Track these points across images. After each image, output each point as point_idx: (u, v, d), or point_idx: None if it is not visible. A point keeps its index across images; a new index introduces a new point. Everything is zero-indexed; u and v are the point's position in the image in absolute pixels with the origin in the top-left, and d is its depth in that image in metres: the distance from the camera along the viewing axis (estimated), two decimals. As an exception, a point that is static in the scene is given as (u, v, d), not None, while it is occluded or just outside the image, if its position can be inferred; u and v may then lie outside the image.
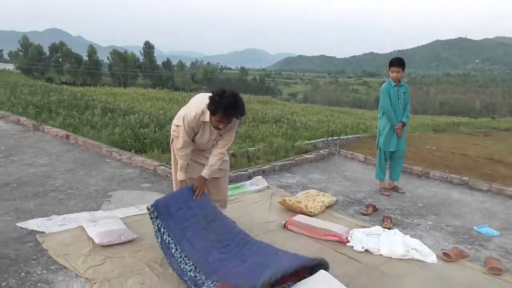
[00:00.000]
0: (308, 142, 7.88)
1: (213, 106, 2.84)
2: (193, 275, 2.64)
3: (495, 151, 8.50)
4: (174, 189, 3.43)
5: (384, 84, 4.97)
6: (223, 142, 3.18)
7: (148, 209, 2.94)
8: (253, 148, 6.71)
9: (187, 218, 2.98)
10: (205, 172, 3.16)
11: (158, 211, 2.91)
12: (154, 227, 2.91)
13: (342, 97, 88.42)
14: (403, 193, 5.03)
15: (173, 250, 2.79)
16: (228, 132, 3.17)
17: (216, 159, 3.16)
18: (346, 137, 8.82)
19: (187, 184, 3.23)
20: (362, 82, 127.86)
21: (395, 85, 4.85)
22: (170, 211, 2.94)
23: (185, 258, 2.75)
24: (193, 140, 3.16)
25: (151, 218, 2.93)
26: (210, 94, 2.91)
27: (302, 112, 21.18)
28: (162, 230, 2.87)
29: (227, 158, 3.46)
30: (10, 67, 52.30)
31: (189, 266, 2.70)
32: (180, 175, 3.22)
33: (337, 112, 25.86)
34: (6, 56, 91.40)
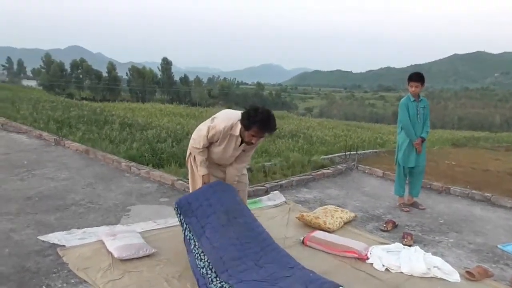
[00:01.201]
0: (324, 157, 7.83)
1: (248, 120, 2.92)
2: (205, 271, 2.73)
3: (517, 167, 8.29)
4: None
5: (403, 98, 4.94)
6: (243, 158, 3.28)
7: (174, 207, 3.10)
8: (270, 163, 6.70)
9: (207, 215, 3.02)
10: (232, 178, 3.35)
11: (180, 208, 3.04)
12: (179, 222, 3.09)
13: (358, 111, 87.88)
14: (423, 209, 4.94)
15: (192, 246, 2.90)
16: (251, 150, 3.23)
17: (235, 172, 3.29)
18: (363, 151, 8.74)
19: (209, 180, 3.27)
20: (379, 96, 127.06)
21: (414, 100, 4.81)
22: (192, 207, 3.04)
23: (201, 254, 2.83)
24: (212, 153, 3.21)
25: (176, 214, 3.08)
26: (243, 110, 3.01)
27: (318, 127, 21.12)
28: (185, 226, 3.01)
29: (245, 171, 3.49)
30: (33, 83, 53.85)
31: (203, 262, 2.78)
32: (201, 170, 3.25)
33: (353, 127, 25.70)
34: (29, 73, 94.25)
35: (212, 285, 2.63)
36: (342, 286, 2.72)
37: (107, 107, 19.58)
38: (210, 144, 3.18)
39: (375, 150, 9.75)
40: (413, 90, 4.78)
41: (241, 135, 3.06)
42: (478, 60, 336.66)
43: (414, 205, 5.01)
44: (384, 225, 4.21)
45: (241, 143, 3.11)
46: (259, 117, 2.89)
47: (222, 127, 3.05)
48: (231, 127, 3.06)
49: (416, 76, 4.78)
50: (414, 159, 4.87)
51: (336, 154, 8.20)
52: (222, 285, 2.60)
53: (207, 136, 3.09)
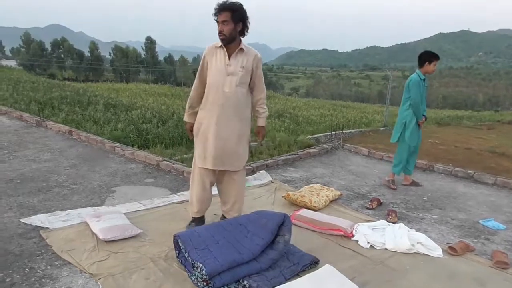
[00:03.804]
0: (311, 136, 7.85)
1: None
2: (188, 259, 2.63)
3: (498, 144, 8.46)
4: (191, 206, 3.33)
5: (413, 75, 4.78)
6: (257, 88, 3.19)
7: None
8: (256, 143, 6.69)
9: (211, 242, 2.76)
10: (261, 121, 3.26)
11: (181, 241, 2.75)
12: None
13: (344, 91, 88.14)
14: (421, 185, 5.02)
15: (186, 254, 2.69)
16: (256, 77, 3.14)
17: (263, 105, 3.23)
18: (349, 131, 8.79)
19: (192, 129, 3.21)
20: (365, 76, 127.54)
21: (424, 79, 4.76)
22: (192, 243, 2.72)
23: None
24: (212, 83, 3.07)
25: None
26: None
27: (304, 107, 21.15)
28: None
29: (245, 155, 3.27)
30: (12, 63, 52.33)
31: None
32: (187, 117, 3.27)
33: (339, 106, 25.81)
34: (8, 53, 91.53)
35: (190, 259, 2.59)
36: (319, 260, 2.86)
37: (90, 88, 19.24)
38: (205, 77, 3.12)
39: (360, 130, 9.82)
40: (434, 68, 4.73)
41: (224, 45, 3.02)
42: (463, 39, 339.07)
43: (413, 183, 5.03)
44: (369, 203, 4.25)
45: (229, 56, 3.03)
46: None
47: (207, 47, 3.13)
48: (214, 44, 3.09)
49: (438, 55, 4.74)
50: (418, 137, 4.90)
51: (322, 134, 8.23)
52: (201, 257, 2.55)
53: (200, 65, 3.14)
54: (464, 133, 10.32)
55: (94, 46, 70.47)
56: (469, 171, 5.52)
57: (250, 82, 3.13)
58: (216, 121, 3.05)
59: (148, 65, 73.48)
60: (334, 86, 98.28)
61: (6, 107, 8.88)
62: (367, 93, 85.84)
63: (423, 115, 4.84)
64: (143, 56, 76.20)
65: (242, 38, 3.08)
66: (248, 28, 3.05)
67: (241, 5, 2.97)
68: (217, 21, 2.95)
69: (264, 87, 3.23)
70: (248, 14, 3.01)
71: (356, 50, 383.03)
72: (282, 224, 2.85)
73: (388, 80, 15.17)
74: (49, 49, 69.42)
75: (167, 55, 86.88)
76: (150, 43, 77.52)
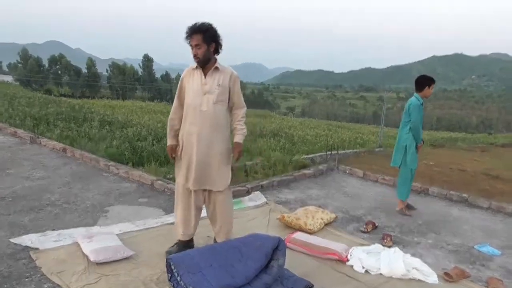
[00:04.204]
0: (306, 156, 7.86)
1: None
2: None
3: (492, 167, 8.50)
4: (176, 227, 3.29)
5: (412, 99, 4.78)
6: (236, 106, 3.18)
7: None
8: (251, 162, 6.67)
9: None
10: (239, 138, 3.17)
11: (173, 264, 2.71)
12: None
13: (339, 111, 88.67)
14: (416, 209, 5.00)
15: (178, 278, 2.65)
16: (234, 95, 3.13)
17: (241, 123, 3.18)
18: (344, 151, 8.81)
19: (177, 149, 3.18)
20: (360, 96, 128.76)
21: (422, 103, 4.78)
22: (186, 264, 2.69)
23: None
24: (190, 105, 3.09)
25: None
26: None
27: (300, 126, 21.21)
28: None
29: (227, 174, 3.19)
30: (9, 78, 52.38)
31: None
32: (168, 140, 3.25)
33: (334, 127, 25.91)
34: (5, 68, 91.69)
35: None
36: (313, 285, 2.83)
37: (86, 104, 19.24)
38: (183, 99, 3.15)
39: (355, 150, 9.84)
40: (431, 92, 4.79)
41: (200, 66, 3.06)
42: (456, 62, 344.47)
43: (409, 206, 5.01)
44: (364, 226, 4.23)
45: (204, 75, 3.06)
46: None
47: (185, 70, 3.20)
48: (191, 66, 3.14)
49: (434, 79, 4.81)
50: (417, 161, 4.90)
51: (318, 154, 8.24)
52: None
53: (178, 87, 3.17)
54: (459, 155, 10.38)
55: (91, 62, 70.74)
56: (464, 195, 5.52)
57: (229, 101, 3.14)
58: (196, 140, 3.05)
59: (145, 82, 73.74)
60: (329, 106, 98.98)
61: (1, 123, 8.84)
62: (362, 113, 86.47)
63: (422, 139, 4.86)
64: (140, 73, 76.53)
65: (217, 56, 3.13)
66: (221, 46, 3.10)
67: (210, 26, 3.00)
68: (190, 45, 3.00)
69: (243, 104, 3.23)
70: (219, 32, 3.05)
71: (352, 71, 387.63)
72: (277, 247, 2.82)
73: (383, 101, 15.31)
74: (46, 65, 69.57)
75: (164, 73, 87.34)
76: (147, 60, 77.97)
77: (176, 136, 3.22)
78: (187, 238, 3.29)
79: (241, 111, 3.20)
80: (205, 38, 2.96)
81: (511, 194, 5.97)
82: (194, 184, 3.10)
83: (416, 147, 4.81)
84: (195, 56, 3.00)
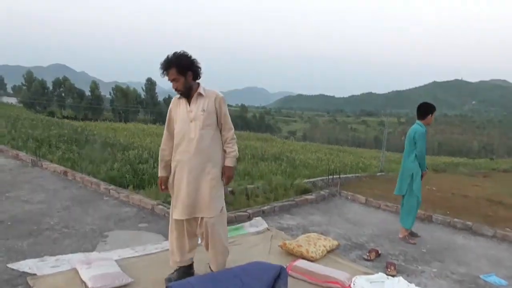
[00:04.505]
0: (307, 180, 7.82)
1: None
2: None
3: (494, 193, 8.45)
4: (172, 254, 3.22)
5: (416, 127, 4.76)
6: (224, 128, 3.13)
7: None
8: (252, 186, 6.64)
9: None
10: (228, 161, 3.10)
11: None
12: None
13: (341, 135, 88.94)
14: (419, 236, 4.92)
15: None
16: (221, 117, 3.09)
17: (230, 145, 3.12)
18: (345, 176, 8.78)
19: (168, 182, 3.15)
20: (361, 121, 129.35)
21: (426, 129, 4.78)
22: None
23: None
24: (178, 133, 3.09)
25: None
26: None
27: (301, 150, 21.24)
28: None
29: (220, 200, 3.11)
30: (13, 100, 52.90)
31: None
32: (159, 171, 3.22)
33: (336, 151, 25.95)
34: (10, 90, 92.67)
35: None
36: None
37: (88, 126, 19.38)
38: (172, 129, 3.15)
39: (357, 175, 9.81)
40: (433, 119, 4.81)
41: (184, 97, 3.06)
42: (456, 88, 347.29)
43: (413, 234, 4.93)
44: (367, 254, 4.16)
45: (189, 103, 3.05)
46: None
47: (172, 99, 3.19)
48: (177, 96, 3.14)
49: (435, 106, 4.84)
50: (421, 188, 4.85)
51: (319, 178, 8.21)
52: None
53: (166, 118, 3.18)
54: (460, 180, 10.33)
55: (95, 85, 71.56)
56: (468, 223, 5.45)
57: (218, 123, 3.11)
58: (187, 169, 3.02)
59: (147, 105, 74.35)
60: (330, 131, 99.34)
61: (3, 145, 8.86)
62: (364, 138, 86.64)
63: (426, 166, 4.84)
64: (143, 96, 77.27)
65: (199, 81, 3.09)
66: (200, 70, 3.05)
67: (182, 55, 2.97)
68: (170, 80, 2.99)
69: (231, 126, 3.16)
70: (193, 57, 3.00)
71: (353, 95, 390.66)
72: (278, 276, 2.77)
73: (384, 126, 15.35)
74: (51, 87, 70.40)
75: (167, 96, 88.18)
76: (150, 84, 78.89)
77: (166, 167, 3.19)
78: (185, 264, 3.23)
79: (229, 132, 3.14)
80: (179, 70, 2.93)
81: (515, 220, 5.92)
82: (182, 213, 3.04)
83: (421, 174, 4.79)
84: (175, 90, 3.01)
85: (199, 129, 3.00)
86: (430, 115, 4.80)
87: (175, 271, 3.24)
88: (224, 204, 3.21)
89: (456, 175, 11.80)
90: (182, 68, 2.94)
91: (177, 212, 3.08)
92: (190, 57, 3.00)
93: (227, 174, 3.11)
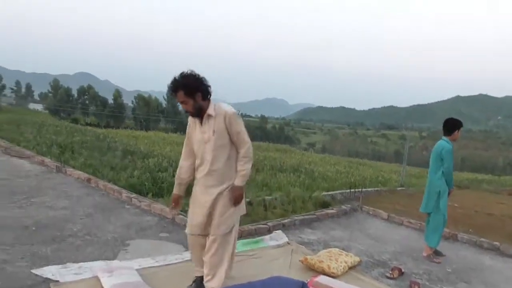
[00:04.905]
0: (326, 193, 7.74)
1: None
2: None
3: (520, 211, 8.18)
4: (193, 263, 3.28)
5: (443, 143, 4.68)
6: (237, 145, 3.02)
7: None
8: (270, 197, 6.60)
9: None
10: (238, 181, 3.01)
11: None
12: None
13: (361, 148, 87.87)
14: (445, 255, 4.79)
15: None
16: (233, 135, 2.97)
17: (241, 163, 3.01)
18: (365, 189, 8.65)
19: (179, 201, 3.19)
20: (381, 134, 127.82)
21: (452, 146, 4.68)
22: None
23: None
24: (196, 150, 3.08)
25: None
26: None
27: (320, 162, 21.02)
28: None
29: (231, 218, 3.05)
30: (39, 107, 54.40)
31: None
32: (174, 187, 3.23)
33: (355, 164, 25.57)
34: (36, 97, 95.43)
35: None
36: None
37: (110, 134, 19.66)
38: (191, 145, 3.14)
39: (377, 189, 9.66)
40: (459, 135, 4.72)
41: (195, 116, 3.01)
42: (481, 103, 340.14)
43: (437, 253, 4.81)
44: (390, 272, 4.06)
45: (201, 123, 3.01)
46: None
47: (189, 117, 3.12)
48: None
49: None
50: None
51: (338, 191, 8.11)
52: None
53: (186, 133, 3.17)
54: (484, 198, 10.03)
55: (118, 94, 72.89)
56: (495, 243, 5.27)
57: (231, 140, 3.02)
58: (203, 188, 3.04)
59: (168, 114, 75.22)
60: (350, 143, 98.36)
61: (29, 150, 9.07)
62: (384, 151, 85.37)
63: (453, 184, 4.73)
64: (164, 105, 78.26)
65: (211, 99, 2.99)
66: (209, 88, 2.97)
67: (189, 77, 2.89)
68: (177, 101, 2.98)
69: (245, 141, 3.00)
70: (200, 76, 2.92)
71: (373, 109, 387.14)
72: None
73: (405, 140, 15.11)
74: (75, 95, 72.08)
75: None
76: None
77: (181, 185, 3.21)
78: (202, 275, 3.20)
79: (243, 150, 3.01)
80: (187, 93, 2.87)
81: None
82: (195, 229, 3.08)
83: (448, 192, 4.68)
84: (186, 111, 2.98)
85: (212, 150, 2.96)
86: (457, 131, 4.69)
87: (193, 282, 3.23)
88: (238, 223, 3.18)
89: (480, 192, 11.46)
90: (190, 90, 2.87)
91: (190, 228, 3.13)
92: (198, 76, 2.92)
93: (234, 194, 3.00)
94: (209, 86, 2.97)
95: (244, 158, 3.01)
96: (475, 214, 7.39)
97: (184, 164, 3.19)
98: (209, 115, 2.96)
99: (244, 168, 3.00)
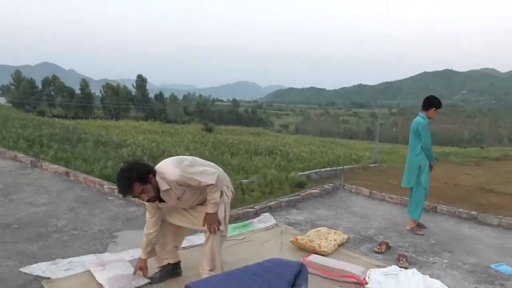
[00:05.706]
0: (302, 173, 7.86)
1: None
2: None
3: (486, 181, 8.59)
4: None
5: (419, 119, 4.80)
6: (206, 187, 2.88)
7: None
8: (247, 180, 6.63)
9: None
10: (209, 208, 2.90)
11: None
12: None
13: (333, 128, 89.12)
14: (426, 227, 4.96)
15: None
16: (194, 182, 2.82)
17: (209, 194, 2.88)
18: (339, 167, 8.84)
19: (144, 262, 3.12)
20: (352, 113, 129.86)
21: (428, 121, 4.80)
22: None
23: None
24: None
25: None
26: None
27: (294, 144, 21.22)
28: None
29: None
30: (2, 101, 52.19)
31: None
32: (143, 253, 3.12)
33: (328, 143, 25.95)
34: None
35: None
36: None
37: (80, 125, 19.14)
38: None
39: (350, 166, 9.90)
40: (435, 115, 4.85)
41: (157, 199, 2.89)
42: (447, 78, 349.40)
43: (420, 225, 4.95)
44: (378, 247, 4.17)
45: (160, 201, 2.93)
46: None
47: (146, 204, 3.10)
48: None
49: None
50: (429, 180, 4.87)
51: (313, 171, 8.27)
52: None
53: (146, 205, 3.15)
54: (452, 170, 10.43)
55: (85, 83, 70.80)
56: (473, 212, 5.49)
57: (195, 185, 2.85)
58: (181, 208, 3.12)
59: (138, 102, 73.78)
60: (322, 123, 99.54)
61: (1, 146, 8.72)
62: (356, 130, 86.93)
63: (433, 157, 4.86)
64: (133, 93, 76.65)
65: (156, 175, 2.81)
66: (151, 168, 2.82)
67: (131, 166, 2.77)
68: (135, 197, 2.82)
69: (209, 181, 2.80)
70: (139, 160, 2.84)
71: (344, 88, 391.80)
72: (299, 273, 2.76)
73: (376, 118, 15.43)
74: (40, 86, 69.48)
75: (158, 93, 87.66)
76: (141, 80, 78.28)
77: (152, 251, 3.16)
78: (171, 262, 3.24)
79: (207, 183, 2.82)
80: (142, 181, 2.70)
81: (507, 207, 6.03)
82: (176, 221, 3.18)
83: (430, 166, 4.81)
84: (148, 201, 2.81)
85: (186, 203, 3.00)
86: (434, 109, 4.82)
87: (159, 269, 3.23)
88: (226, 228, 3.14)
89: (448, 164, 11.90)
90: (143, 176, 2.71)
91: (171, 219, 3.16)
92: (138, 162, 2.94)
93: (208, 221, 2.91)
94: (151, 167, 2.85)
95: (210, 190, 2.87)
96: (444, 185, 7.68)
97: (153, 230, 3.11)
98: (165, 190, 2.83)
99: (213, 197, 2.89)
